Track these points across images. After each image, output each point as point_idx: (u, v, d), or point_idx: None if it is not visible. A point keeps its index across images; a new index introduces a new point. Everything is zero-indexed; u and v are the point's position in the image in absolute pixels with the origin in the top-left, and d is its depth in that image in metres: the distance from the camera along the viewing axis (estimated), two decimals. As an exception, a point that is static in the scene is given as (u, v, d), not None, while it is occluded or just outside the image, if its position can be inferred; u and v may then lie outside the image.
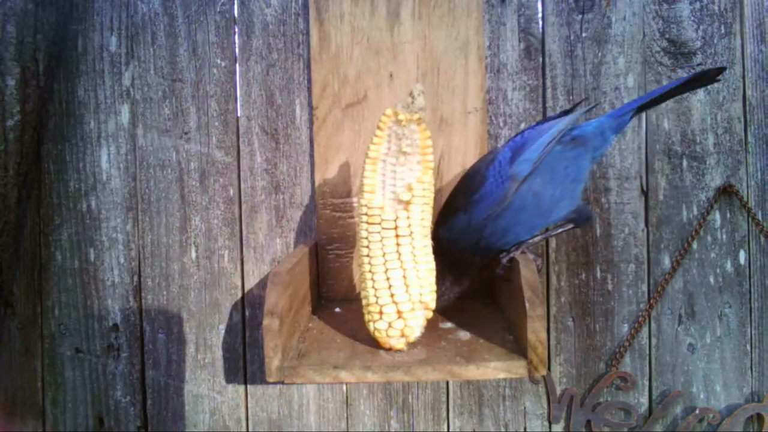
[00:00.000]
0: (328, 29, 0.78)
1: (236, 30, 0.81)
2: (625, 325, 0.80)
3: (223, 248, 0.81)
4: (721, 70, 0.62)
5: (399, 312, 0.57)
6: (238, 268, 0.81)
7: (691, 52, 0.79)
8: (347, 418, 0.81)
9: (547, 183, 0.62)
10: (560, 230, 0.65)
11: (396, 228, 0.57)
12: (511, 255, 0.63)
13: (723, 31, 0.79)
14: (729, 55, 0.79)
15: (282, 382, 0.61)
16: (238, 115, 0.81)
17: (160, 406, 0.82)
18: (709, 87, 0.79)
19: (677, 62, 0.79)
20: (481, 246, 0.64)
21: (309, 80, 0.80)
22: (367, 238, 0.58)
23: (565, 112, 0.69)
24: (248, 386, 0.81)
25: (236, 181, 0.81)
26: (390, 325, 0.57)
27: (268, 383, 0.81)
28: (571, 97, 0.79)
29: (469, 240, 0.64)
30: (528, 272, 0.56)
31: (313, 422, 0.81)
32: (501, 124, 0.80)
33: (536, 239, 0.66)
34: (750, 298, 0.79)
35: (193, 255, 0.81)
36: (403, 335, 0.58)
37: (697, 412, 0.79)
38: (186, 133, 0.81)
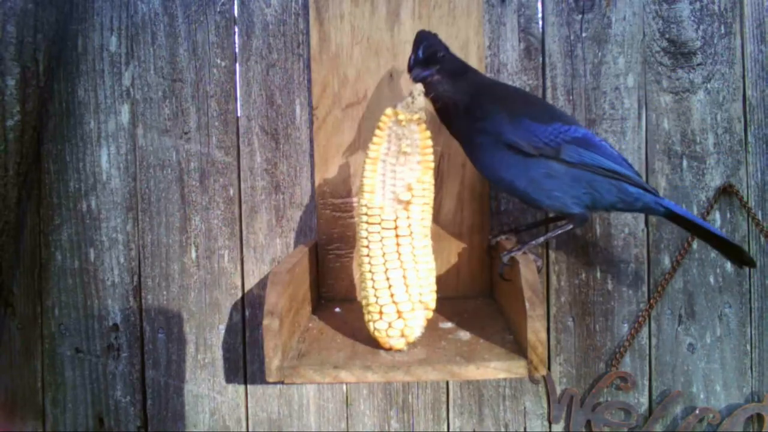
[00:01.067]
0: (328, 29, 0.78)
1: (236, 30, 0.81)
2: (625, 325, 0.80)
3: (223, 248, 0.81)
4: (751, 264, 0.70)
5: (399, 312, 0.57)
6: (238, 268, 0.81)
7: (691, 52, 0.79)
8: (347, 418, 0.81)
9: (568, 179, 0.62)
10: (559, 231, 0.65)
11: (396, 228, 0.57)
12: (512, 254, 0.63)
13: (723, 31, 0.79)
14: (729, 55, 0.79)
15: (282, 382, 0.61)
16: (238, 115, 0.81)
17: (160, 406, 0.82)
18: (708, 87, 0.79)
19: (677, 62, 0.79)
20: (492, 148, 0.63)
21: (309, 80, 0.80)
22: (367, 238, 0.58)
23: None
24: (248, 386, 0.81)
25: (236, 181, 0.81)
26: (390, 325, 0.57)
27: (268, 383, 0.81)
28: (571, 97, 0.79)
29: (496, 134, 0.62)
30: (528, 272, 0.56)
31: (313, 422, 0.81)
32: (501, 124, 0.80)
33: (540, 240, 0.66)
34: (750, 298, 0.79)
35: (193, 255, 0.81)
36: (403, 335, 0.58)
37: (697, 412, 0.79)
38: (186, 133, 0.81)
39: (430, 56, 0.63)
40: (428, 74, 0.63)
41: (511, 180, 0.63)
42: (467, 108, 0.64)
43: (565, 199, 0.63)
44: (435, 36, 0.65)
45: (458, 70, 0.65)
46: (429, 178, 0.58)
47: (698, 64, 0.79)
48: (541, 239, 0.66)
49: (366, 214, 0.58)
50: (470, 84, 0.64)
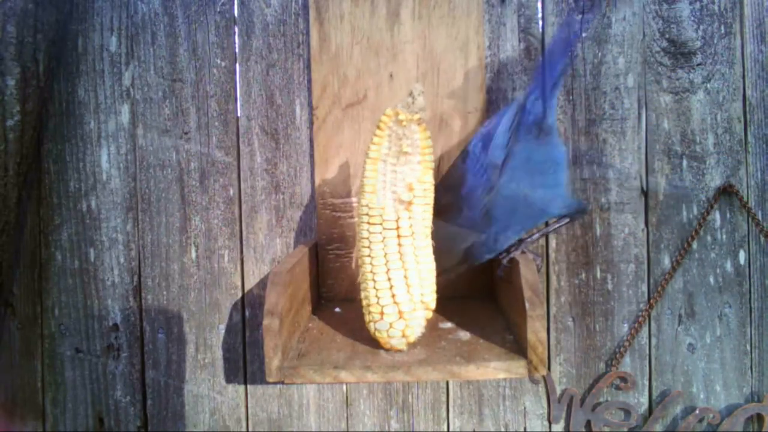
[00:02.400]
0: (328, 29, 0.78)
1: (236, 30, 0.81)
2: (625, 325, 0.80)
3: (223, 248, 0.81)
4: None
5: (400, 312, 0.57)
6: (238, 268, 0.81)
7: (691, 52, 0.79)
8: (347, 418, 0.81)
9: (525, 171, 0.61)
10: (557, 225, 0.66)
11: (398, 228, 0.57)
12: (511, 255, 0.63)
13: (723, 31, 0.79)
14: (729, 55, 0.79)
15: (282, 382, 0.61)
16: (238, 115, 0.81)
17: (160, 406, 0.82)
18: (708, 87, 0.79)
19: (677, 62, 0.79)
20: (488, 240, 0.63)
21: (309, 80, 0.80)
22: (368, 238, 0.58)
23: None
24: (248, 386, 0.81)
25: (236, 181, 0.81)
26: (391, 326, 0.57)
27: (268, 383, 0.81)
28: (571, 97, 0.79)
29: (476, 236, 0.63)
30: (528, 272, 0.56)
31: (313, 422, 0.81)
32: (501, 124, 0.80)
33: (534, 237, 0.66)
34: (750, 298, 0.79)
35: (193, 255, 0.81)
36: (404, 336, 0.58)
37: (697, 412, 0.79)
38: (186, 133, 0.81)
39: None
40: None
41: (508, 232, 0.63)
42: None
43: (547, 197, 0.62)
44: None
45: None
46: (430, 179, 0.58)
47: (698, 64, 0.79)
48: (537, 236, 0.66)
49: (367, 215, 0.58)
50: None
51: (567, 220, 0.65)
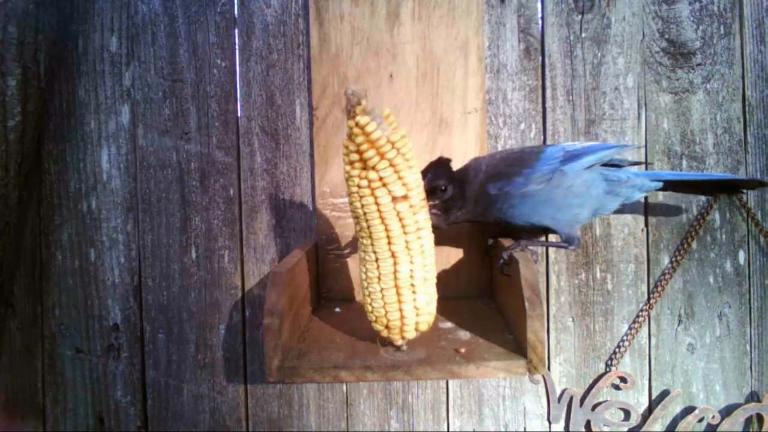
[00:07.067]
0: (328, 30, 0.78)
1: (236, 30, 0.81)
2: (625, 324, 0.80)
3: (223, 248, 0.81)
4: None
5: (414, 309, 0.57)
6: (238, 268, 0.81)
7: (690, 53, 0.79)
8: (347, 418, 0.81)
9: (574, 192, 0.66)
10: (555, 244, 0.68)
11: (403, 227, 0.56)
12: (511, 251, 0.63)
13: (722, 32, 0.79)
14: (728, 55, 0.79)
15: (282, 382, 0.61)
16: (239, 115, 0.81)
17: (160, 406, 0.82)
18: (708, 87, 0.79)
19: (677, 62, 0.79)
20: (511, 210, 0.67)
21: (309, 80, 0.80)
22: (370, 236, 0.57)
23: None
24: (248, 386, 0.81)
25: (236, 182, 0.81)
26: (401, 327, 0.57)
27: (268, 383, 0.81)
28: (570, 98, 0.80)
29: (506, 204, 0.66)
30: (528, 272, 0.56)
31: (313, 422, 0.81)
32: (501, 125, 0.80)
33: (536, 243, 0.67)
34: (749, 298, 0.79)
35: (194, 255, 0.81)
36: (413, 330, 0.57)
37: (696, 412, 0.79)
38: (186, 134, 0.81)
39: (430, 190, 0.64)
40: (432, 206, 0.66)
41: (530, 216, 0.66)
42: (481, 198, 0.67)
43: (568, 214, 0.67)
44: (442, 165, 0.66)
45: (460, 182, 0.67)
46: (416, 172, 0.56)
47: (698, 65, 0.79)
48: (538, 243, 0.68)
49: (366, 214, 0.57)
50: (473, 182, 0.68)
51: (565, 245, 0.67)
